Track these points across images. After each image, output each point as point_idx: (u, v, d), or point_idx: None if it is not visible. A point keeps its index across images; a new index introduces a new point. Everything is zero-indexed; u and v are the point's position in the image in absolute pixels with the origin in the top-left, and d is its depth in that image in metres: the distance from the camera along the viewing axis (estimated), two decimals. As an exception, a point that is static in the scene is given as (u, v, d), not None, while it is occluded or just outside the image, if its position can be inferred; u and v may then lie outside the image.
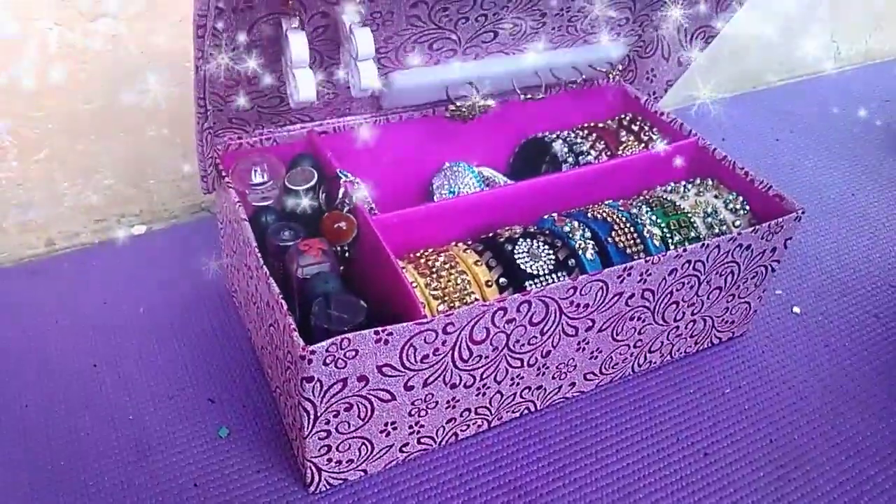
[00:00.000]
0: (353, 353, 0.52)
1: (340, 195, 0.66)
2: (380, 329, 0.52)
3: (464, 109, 0.75)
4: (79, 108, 0.76)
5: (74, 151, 0.79)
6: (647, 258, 0.61)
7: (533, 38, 0.74)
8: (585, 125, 0.84)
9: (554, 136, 0.82)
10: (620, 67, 0.85)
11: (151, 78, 0.78)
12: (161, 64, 0.77)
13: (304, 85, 0.61)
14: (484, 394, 0.62)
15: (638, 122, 0.83)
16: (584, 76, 0.82)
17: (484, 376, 0.61)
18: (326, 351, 0.51)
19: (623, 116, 0.84)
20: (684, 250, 0.62)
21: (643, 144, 0.81)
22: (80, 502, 0.59)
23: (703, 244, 0.63)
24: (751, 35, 1.21)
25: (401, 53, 0.69)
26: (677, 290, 0.66)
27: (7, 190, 0.78)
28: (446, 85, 0.75)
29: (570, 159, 0.79)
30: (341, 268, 0.64)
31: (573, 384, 0.68)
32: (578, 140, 0.81)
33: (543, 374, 0.65)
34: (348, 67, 0.64)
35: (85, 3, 0.71)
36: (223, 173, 0.66)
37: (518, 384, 0.64)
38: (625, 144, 0.81)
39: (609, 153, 0.80)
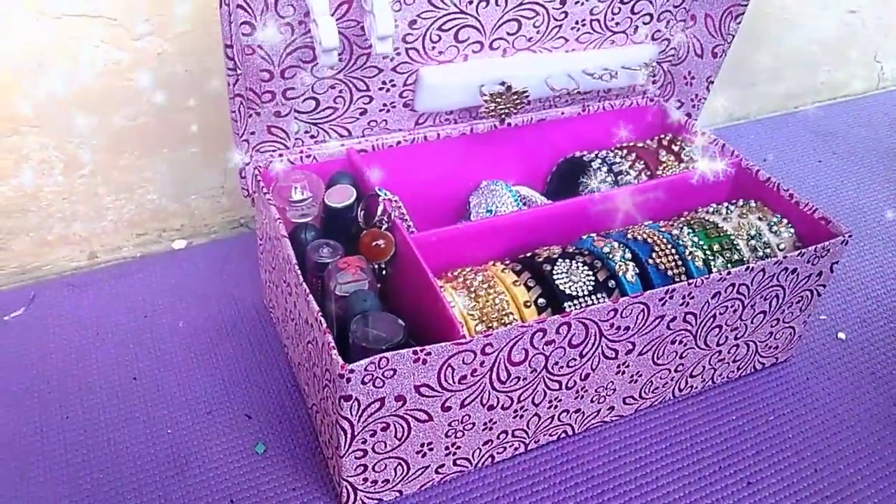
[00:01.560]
0: (392, 372, 0.52)
1: (379, 213, 0.66)
2: (418, 349, 0.52)
3: (500, 100, 0.74)
4: (123, 125, 0.78)
5: (118, 167, 0.80)
6: (691, 281, 0.60)
7: (557, 34, 0.74)
8: (624, 145, 0.84)
9: (593, 155, 0.81)
10: (654, 73, 0.84)
11: (194, 95, 0.79)
12: (205, 81, 0.78)
13: (327, 33, 0.60)
14: (521, 416, 0.62)
15: (679, 143, 0.82)
16: (616, 76, 0.80)
17: (522, 398, 0.60)
18: (365, 370, 0.50)
19: (663, 136, 0.83)
20: (728, 273, 0.61)
21: (683, 165, 0.80)
22: (118, 515, 0.60)
23: (748, 267, 0.62)
24: (793, 55, 1.19)
25: (427, 43, 0.69)
26: (720, 313, 0.65)
27: (52, 204, 0.79)
28: (479, 84, 0.74)
29: (610, 179, 0.78)
30: (378, 285, 0.64)
31: (612, 408, 0.67)
32: (618, 160, 0.80)
33: (582, 397, 0.64)
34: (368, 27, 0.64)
35: (131, 22, 0.73)
36: (264, 190, 0.66)
37: (556, 407, 0.63)
38: (665, 164, 0.80)
39: (648, 173, 0.79)
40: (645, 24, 0.79)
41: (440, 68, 0.71)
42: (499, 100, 0.74)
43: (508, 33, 0.72)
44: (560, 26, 0.74)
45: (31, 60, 0.71)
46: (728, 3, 0.77)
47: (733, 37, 0.79)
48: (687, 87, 0.84)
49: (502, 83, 0.74)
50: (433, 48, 0.70)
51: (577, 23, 0.74)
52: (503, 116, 0.76)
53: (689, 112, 0.84)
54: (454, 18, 0.68)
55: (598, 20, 0.75)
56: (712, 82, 0.82)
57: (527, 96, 0.75)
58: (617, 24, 0.77)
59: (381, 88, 0.71)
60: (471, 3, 0.67)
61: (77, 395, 0.69)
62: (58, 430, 0.66)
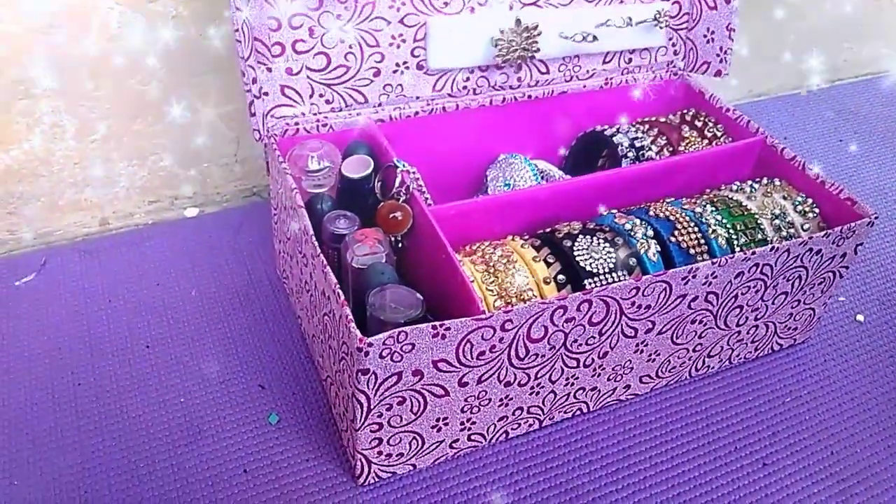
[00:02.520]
0: (410, 346, 0.51)
1: (397, 184, 0.65)
2: (437, 323, 0.51)
3: (513, 42, 0.72)
4: (137, 90, 0.76)
5: (131, 132, 0.79)
6: (715, 260, 0.59)
7: None
8: (646, 119, 0.82)
9: (614, 129, 0.80)
10: (672, 40, 0.82)
11: (208, 60, 0.78)
12: (219, 46, 0.77)
13: None
14: (538, 393, 0.61)
15: (702, 118, 0.80)
16: (631, 24, 0.77)
17: (539, 375, 0.59)
18: (383, 344, 0.50)
19: (686, 112, 0.81)
20: (753, 253, 0.60)
21: (707, 141, 0.78)
22: (131, 484, 0.59)
23: (774, 247, 0.60)
24: (816, 32, 1.16)
25: None
26: (742, 293, 0.63)
27: (64, 169, 0.78)
28: (490, 36, 0.72)
29: (631, 154, 0.77)
30: (395, 258, 0.63)
31: (628, 387, 0.67)
32: (639, 135, 0.78)
33: (599, 375, 0.63)
34: None
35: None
36: (280, 159, 0.65)
37: (573, 384, 0.62)
38: (687, 140, 0.78)
39: (671, 149, 0.78)
40: None
41: (448, 19, 0.70)
42: (512, 41, 0.72)
43: None
44: None
45: (43, 22, 0.69)
46: None
47: None
48: (709, 44, 0.82)
49: (515, 20, 0.72)
50: None
51: None
52: (519, 62, 0.74)
53: (720, 69, 0.81)
54: None
55: None
56: (734, 30, 0.80)
57: (539, 33, 0.73)
58: None
59: (391, 44, 0.70)
60: None
61: (89, 361, 0.68)
62: (70, 396, 0.65)
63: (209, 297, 0.76)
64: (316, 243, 0.58)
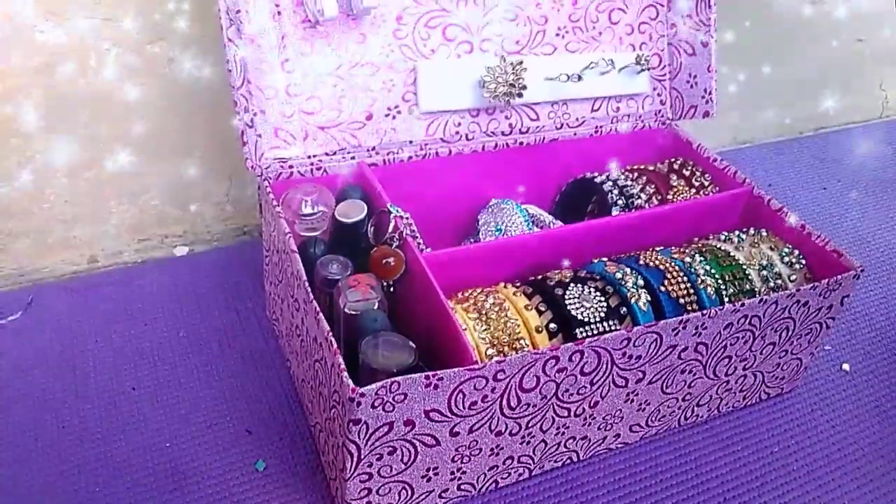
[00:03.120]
0: (402, 396, 0.51)
1: (390, 230, 0.65)
2: (430, 374, 0.51)
3: (500, 78, 0.74)
4: (130, 129, 0.77)
5: (124, 170, 0.79)
6: (705, 311, 0.59)
7: (543, 40, 0.77)
8: (635, 167, 0.83)
9: (603, 177, 0.81)
10: (651, 69, 0.84)
11: (203, 102, 0.78)
12: (213, 87, 0.77)
13: (328, 4, 0.65)
14: (528, 442, 0.61)
15: (689, 167, 0.81)
16: (616, 67, 0.80)
17: (530, 425, 0.59)
18: (376, 394, 0.50)
19: (674, 160, 0.83)
20: (742, 305, 0.61)
21: (694, 190, 0.79)
22: (114, 531, 0.58)
23: (762, 299, 0.61)
24: (799, 80, 1.19)
25: (418, 39, 0.72)
26: (731, 344, 0.64)
27: (54, 206, 0.78)
28: (479, 78, 0.74)
29: (620, 201, 0.78)
30: (387, 304, 0.63)
31: (618, 435, 0.67)
32: (629, 182, 0.80)
33: (589, 424, 0.63)
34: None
35: (142, 27, 0.72)
36: (274, 203, 0.65)
37: (563, 433, 0.62)
38: (675, 189, 0.79)
39: (659, 197, 0.79)
40: (628, 34, 0.81)
41: (437, 63, 0.73)
42: (499, 78, 0.74)
43: (496, 35, 0.74)
44: (543, 32, 0.76)
45: (39, 61, 0.70)
46: None
47: (715, 20, 0.80)
48: (693, 88, 0.83)
49: (500, 57, 0.74)
50: (424, 45, 0.71)
51: (559, 28, 0.77)
52: (507, 99, 0.75)
53: (707, 110, 0.83)
54: (438, 16, 0.71)
55: (581, 28, 0.78)
56: (714, 70, 0.82)
57: (524, 69, 0.75)
58: (600, 33, 0.79)
59: (382, 88, 0.71)
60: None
61: (74, 403, 0.67)
62: (53, 439, 0.64)
63: (197, 338, 0.75)
64: (309, 289, 0.58)
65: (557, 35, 0.78)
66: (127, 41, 0.72)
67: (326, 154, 0.71)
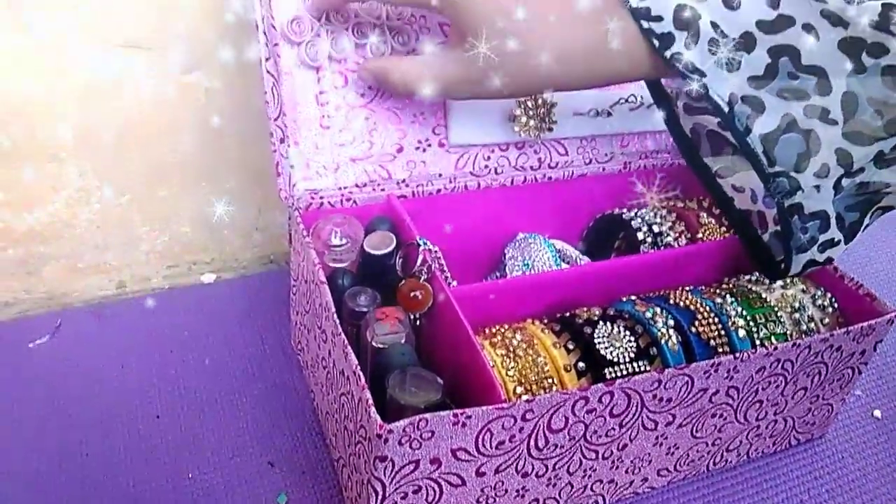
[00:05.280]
0: (430, 434, 0.50)
1: (419, 263, 0.65)
2: (458, 411, 0.50)
3: (531, 113, 0.74)
4: (165, 158, 0.78)
5: (156, 198, 0.80)
6: (738, 355, 0.58)
7: None
8: (664, 204, 0.83)
9: (632, 213, 0.80)
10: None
11: (237, 131, 0.79)
12: (245, 117, 0.78)
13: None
14: (555, 484, 0.60)
15: (719, 206, 0.81)
16: (646, 103, 0.80)
17: (557, 466, 0.58)
18: (403, 431, 0.49)
19: (703, 198, 0.82)
20: (775, 348, 0.59)
21: (724, 228, 0.79)
22: (134, 562, 0.58)
23: (795, 343, 0.60)
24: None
25: None
26: (763, 388, 0.63)
27: (86, 231, 0.79)
28: (507, 114, 0.75)
29: (649, 239, 0.77)
30: (414, 337, 0.63)
31: (645, 479, 0.65)
32: (658, 220, 0.79)
33: (617, 467, 0.62)
34: None
35: (181, 56, 0.73)
36: (304, 233, 0.66)
37: (590, 476, 0.61)
38: (705, 227, 0.79)
39: (689, 235, 0.78)
40: None
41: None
42: (530, 112, 0.75)
43: None
44: None
45: (77, 88, 0.71)
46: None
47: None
48: None
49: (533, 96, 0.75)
50: None
51: None
52: (537, 133, 0.75)
53: None
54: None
55: None
56: None
57: (554, 104, 0.75)
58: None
59: (412, 122, 0.71)
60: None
61: (98, 430, 0.67)
62: (77, 467, 0.64)
63: (222, 366, 0.75)
64: (337, 321, 0.57)
65: None
66: (164, 70, 0.73)
67: (357, 186, 0.71)
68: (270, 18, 0.65)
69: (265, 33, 0.64)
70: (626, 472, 0.63)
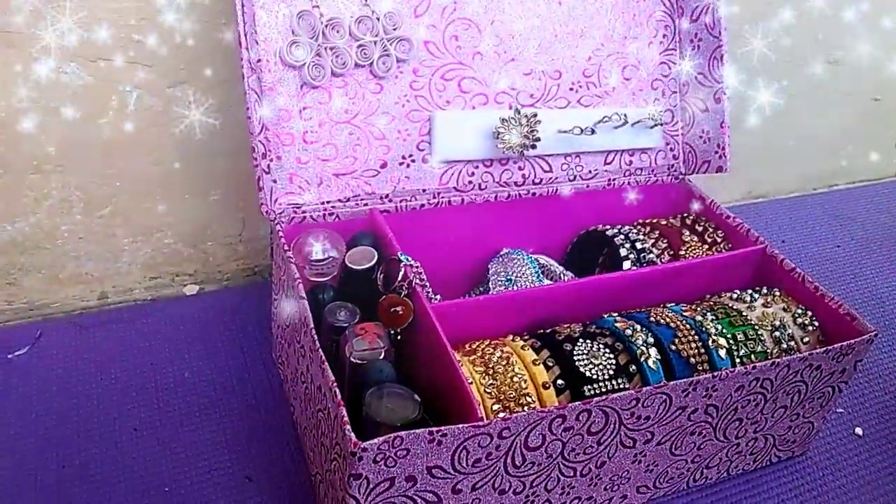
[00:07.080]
0: (405, 452, 0.50)
1: (400, 278, 0.65)
2: (434, 429, 0.50)
3: (514, 128, 0.74)
4: (148, 169, 0.77)
5: (139, 209, 0.79)
6: (715, 373, 0.58)
7: (557, 94, 0.78)
8: (647, 221, 0.83)
9: (615, 230, 0.81)
10: (669, 143, 0.85)
11: (221, 145, 0.79)
12: (230, 130, 0.78)
13: None
14: (532, 502, 0.60)
15: (702, 223, 0.81)
16: (629, 122, 0.80)
17: (534, 484, 0.58)
18: (378, 449, 0.49)
19: (686, 215, 0.83)
20: (754, 367, 0.60)
21: (707, 246, 0.79)
22: (108, 578, 0.57)
23: (774, 363, 0.60)
24: (815, 138, 1.19)
25: (434, 90, 0.73)
26: (742, 406, 0.63)
27: (67, 242, 0.78)
28: (492, 130, 0.75)
29: (632, 255, 0.77)
30: (393, 353, 0.62)
31: (624, 497, 0.65)
32: (640, 237, 0.79)
33: (595, 484, 0.62)
34: None
35: (164, 71, 0.73)
36: (286, 247, 0.65)
37: (568, 494, 0.61)
38: (688, 245, 0.79)
39: (671, 252, 0.79)
40: (640, 90, 0.82)
41: (452, 113, 0.74)
42: (513, 129, 0.75)
43: (510, 87, 0.75)
44: (557, 86, 0.78)
45: (60, 100, 0.71)
46: (708, 52, 0.80)
47: (723, 76, 0.80)
48: (706, 143, 0.83)
49: (514, 109, 0.75)
50: (440, 96, 0.73)
51: (573, 83, 0.78)
52: (520, 150, 0.76)
53: (721, 165, 0.83)
54: (455, 69, 0.73)
55: (594, 83, 0.79)
56: (728, 125, 0.82)
57: (538, 121, 0.76)
58: (613, 88, 0.80)
59: (397, 137, 0.72)
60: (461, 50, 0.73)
61: (76, 443, 0.67)
62: (53, 480, 0.64)
63: (202, 379, 0.75)
64: (315, 337, 0.57)
65: (571, 89, 0.79)
66: (148, 83, 0.73)
67: (340, 200, 0.71)
68: (254, 34, 0.65)
69: (248, 49, 0.64)
70: (605, 489, 0.63)
